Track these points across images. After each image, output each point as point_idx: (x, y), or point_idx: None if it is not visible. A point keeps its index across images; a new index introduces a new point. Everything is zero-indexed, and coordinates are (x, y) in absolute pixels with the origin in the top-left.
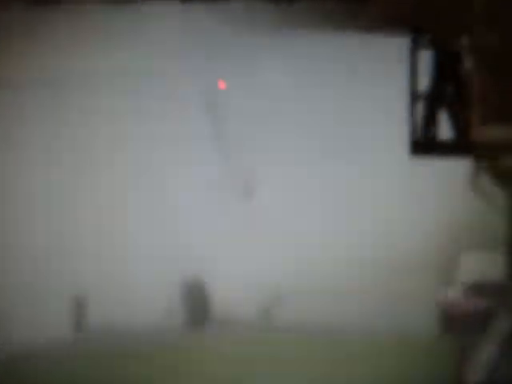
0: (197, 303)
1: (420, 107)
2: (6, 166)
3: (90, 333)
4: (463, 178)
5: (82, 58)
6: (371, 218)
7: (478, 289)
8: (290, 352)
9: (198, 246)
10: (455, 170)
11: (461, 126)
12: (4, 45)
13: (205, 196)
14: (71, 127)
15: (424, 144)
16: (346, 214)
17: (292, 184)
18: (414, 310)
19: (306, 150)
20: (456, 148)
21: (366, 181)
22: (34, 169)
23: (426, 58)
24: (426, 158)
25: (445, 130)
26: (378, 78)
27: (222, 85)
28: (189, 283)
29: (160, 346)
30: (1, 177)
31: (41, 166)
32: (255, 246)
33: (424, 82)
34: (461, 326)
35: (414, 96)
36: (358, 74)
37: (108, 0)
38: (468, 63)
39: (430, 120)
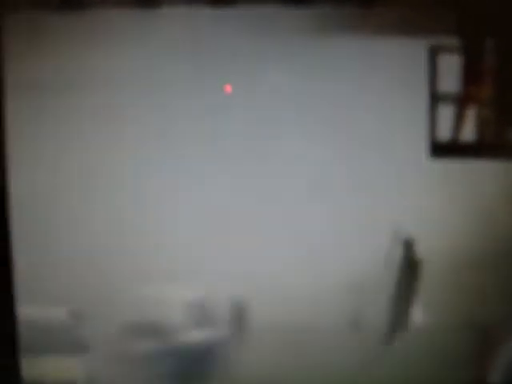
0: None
1: (440, 109)
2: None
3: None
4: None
5: (92, 60)
6: (387, 220)
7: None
8: None
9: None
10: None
11: (483, 127)
12: (23, 47)
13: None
14: (83, 129)
15: (445, 146)
16: (362, 216)
17: (304, 185)
18: None
19: (321, 151)
20: (478, 150)
21: (385, 182)
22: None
23: (446, 59)
24: (447, 160)
25: (467, 131)
26: (397, 80)
27: (228, 89)
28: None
29: None
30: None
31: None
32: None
33: (444, 84)
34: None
35: (434, 98)
36: (376, 74)
37: (126, 5)
38: (492, 64)
39: (452, 122)
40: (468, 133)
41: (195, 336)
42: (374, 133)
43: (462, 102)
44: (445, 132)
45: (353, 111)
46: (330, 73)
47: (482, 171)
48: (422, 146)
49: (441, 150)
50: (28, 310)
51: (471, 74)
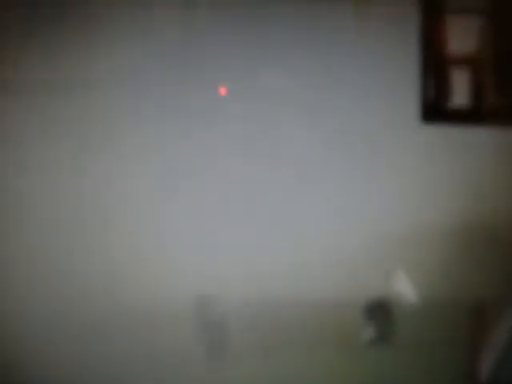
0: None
1: (433, 72)
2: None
3: None
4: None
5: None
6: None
7: None
8: None
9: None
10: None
11: (477, 92)
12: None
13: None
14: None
15: (437, 110)
16: (358, 187)
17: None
18: None
19: (316, 128)
20: (471, 115)
21: (378, 151)
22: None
23: (437, 20)
24: (439, 125)
25: (461, 96)
26: (390, 41)
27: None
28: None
29: None
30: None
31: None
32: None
33: (436, 45)
34: None
35: (427, 60)
36: (369, 37)
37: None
38: (485, 26)
39: (445, 85)
40: (462, 97)
41: None
42: (365, 96)
43: (456, 63)
44: (438, 95)
45: (343, 77)
46: (320, 38)
47: (478, 137)
48: (414, 110)
49: (433, 114)
50: None
51: (466, 35)
